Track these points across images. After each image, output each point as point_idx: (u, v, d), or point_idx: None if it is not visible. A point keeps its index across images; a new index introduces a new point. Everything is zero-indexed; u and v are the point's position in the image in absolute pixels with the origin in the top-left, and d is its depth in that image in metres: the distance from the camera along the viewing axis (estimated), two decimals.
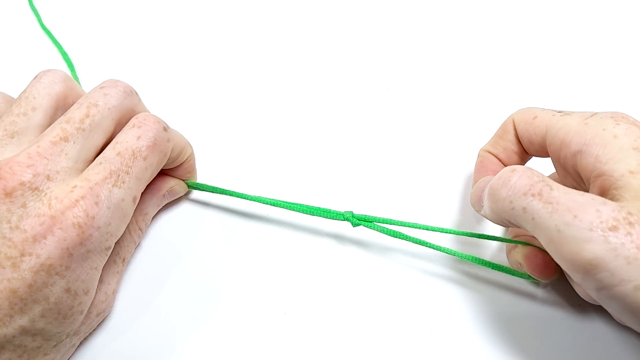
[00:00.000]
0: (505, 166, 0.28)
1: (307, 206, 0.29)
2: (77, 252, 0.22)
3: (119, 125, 0.26)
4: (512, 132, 0.28)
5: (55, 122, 0.25)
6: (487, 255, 0.30)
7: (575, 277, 0.21)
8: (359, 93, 0.38)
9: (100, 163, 0.24)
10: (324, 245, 0.31)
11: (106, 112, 0.25)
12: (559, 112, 0.26)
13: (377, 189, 0.33)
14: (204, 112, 0.37)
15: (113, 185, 0.23)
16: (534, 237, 0.24)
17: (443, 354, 0.27)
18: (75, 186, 0.23)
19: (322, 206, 0.29)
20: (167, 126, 0.26)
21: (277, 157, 0.35)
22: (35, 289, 0.22)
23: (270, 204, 0.30)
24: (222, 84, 0.39)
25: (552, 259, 0.23)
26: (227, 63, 0.40)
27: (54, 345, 0.24)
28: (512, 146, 0.28)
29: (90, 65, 0.40)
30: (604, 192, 0.22)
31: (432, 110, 0.37)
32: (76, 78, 0.39)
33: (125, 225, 0.25)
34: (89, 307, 0.25)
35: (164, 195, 0.30)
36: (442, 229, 0.28)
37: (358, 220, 0.29)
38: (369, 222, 0.29)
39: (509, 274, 0.28)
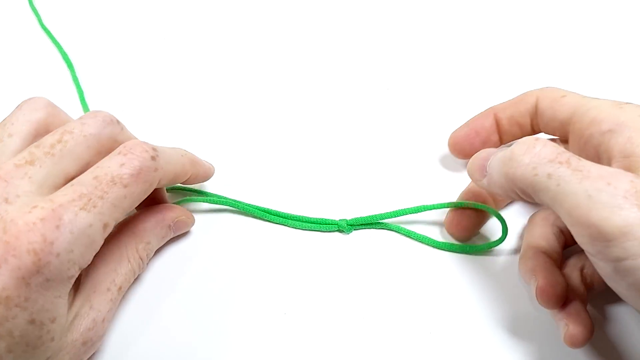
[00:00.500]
0: (500, 135, 0.31)
1: (301, 218, 0.31)
2: (34, 281, 0.20)
3: (99, 155, 0.25)
4: (530, 105, 0.28)
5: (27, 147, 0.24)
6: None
7: (595, 246, 0.20)
8: (359, 93, 0.38)
9: (72, 185, 0.22)
10: (324, 244, 0.31)
11: (81, 139, 0.24)
12: (589, 97, 0.26)
13: (377, 188, 0.33)
14: (201, 114, 0.37)
15: (81, 209, 0.21)
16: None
17: (443, 354, 0.27)
18: (35, 206, 0.21)
19: (322, 206, 0.30)
20: (157, 154, 0.25)
21: (275, 159, 0.35)
22: None
23: (266, 215, 0.31)
24: (221, 83, 0.39)
25: (473, 224, 0.29)
26: (227, 61, 0.40)
27: None
28: (521, 118, 0.29)
29: (90, 65, 0.40)
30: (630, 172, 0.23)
31: (432, 110, 0.37)
32: (75, 78, 0.39)
33: (93, 254, 0.22)
34: (73, 335, 0.23)
35: (170, 226, 0.29)
36: (423, 207, 0.30)
37: (350, 226, 0.30)
38: (363, 224, 0.30)
39: (471, 252, 0.30)
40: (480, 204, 0.29)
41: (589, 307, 0.26)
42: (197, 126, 0.36)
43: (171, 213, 0.29)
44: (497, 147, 0.31)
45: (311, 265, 0.30)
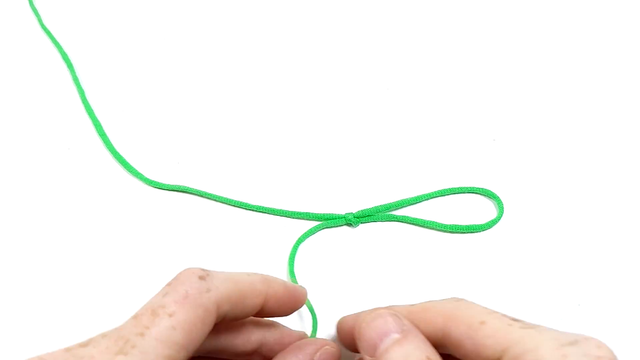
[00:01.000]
0: None
1: (308, 215, 0.31)
2: None
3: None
4: (434, 328, 0.22)
5: None
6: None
7: None
8: (359, 93, 0.38)
9: (105, 334, 0.19)
10: (333, 239, 0.31)
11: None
12: (512, 319, 0.20)
13: (378, 184, 0.33)
14: (202, 113, 0.37)
15: (116, 353, 0.18)
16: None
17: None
18: None
19: (326, 203, 0.31)
20: (207, 274, 0.21)
21: (277, 160, 0.35)
22: None
23: (271, 213, 0.31)
24: (222, 84, 0.39)
25: None
26: (227, 62, 0.40)
27: None
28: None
29: (89, 65, 0.40)
30: None
31: (432, 110, 0.37)
32: (75, 78, 0.39)
33: None
34: None
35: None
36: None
37: (357, 219, 0.31)
38: (369, 215, 0.31)
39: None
40: (484, 189, 0.32)
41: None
42: (199, 125, 0.36)
43: (312, 346, 0.24)
44: None
45: (323, 260, 0.30)
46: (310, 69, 0.40)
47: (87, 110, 0.37)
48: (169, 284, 0.20)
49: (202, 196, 0.32)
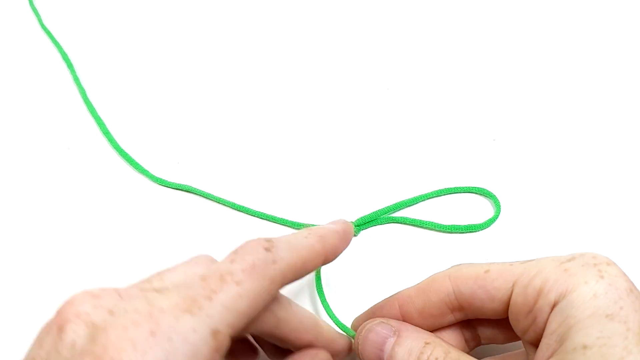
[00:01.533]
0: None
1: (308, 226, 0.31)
2: None
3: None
4: (445, 293, 0.23)
5: None
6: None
7: None
8: (359, 93, 0.38)
9: (176, 286, 0.19)
10: None
11: None
12: (510, 263, 0.22)
13: (376, 191, 0.33)
14: (202, 115, 0.37)
15: (184, 312, 0.18)
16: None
17: None
18: (127, 310, 0.18)
19: (326, 209, 0.31)
20: (273, 244, 0.21)
21: (274, 162, 0.35)
22: None
23: (273, 221, 0.31)
24: (221, 86, 0.39)
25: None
26: (227, 62, 0.40)
27: None
28: (435, 309, 0.24)
29: (89, 65, 0.40)
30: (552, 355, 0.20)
31: (432, 110, 0.37)
32: (76, 78, 0.39)
33: None
34: None
35: None
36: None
37: (358, 227, 0.31)
38: (369, 222, 0.31)
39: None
40: (481, 188, 0.32)
41: None
42: (199, 126, 0.36)
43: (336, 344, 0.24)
44: None
45: (330, 269, 0.30)
46: (309, 69, 0.40)
47: (89, 109, 0.37)
48: (234, 252, 0.20)
49: (205, 197, 0.33)
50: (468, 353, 0.23)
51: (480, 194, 0.33)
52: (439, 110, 0.37)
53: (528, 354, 0.22)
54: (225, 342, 0.18)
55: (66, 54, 0.40)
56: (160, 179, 0.33)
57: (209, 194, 0.32)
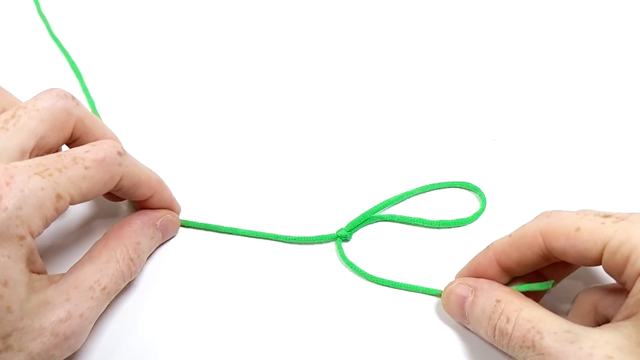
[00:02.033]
0: (508, 273, 0.27)
1: (300, 239, 0.31)
2: None
3: (53, 129, 0.26)
4: (537, 247, 0.24)
5: None
6: None
7: None
8: (359, 93, 0.39)
9: (34, 159, 0.23)
10: (324, 246, 0.31)
11: (34, 112, 0.25)
12: (604, 215, 0.23)
13: (378, 190, 0.34)
14: (202, 115, 0.38)
15: (35, 173, 0.22)
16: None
17: (443, 353, 0.27)
18: None
19: (315, 217, 0.32)
20: (125, 153, 0.26)
21: (276, 161, 0.35)
22: None
23: (265, 238, 0.31)
24: (229, 91, 0.40)
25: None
26: (227, 61, 0.41)
27: None
28: (530, 261, 0.25)
29: (98, 74, 0.41)
30: None
31: (432, 110, 0.37)
32: (85, 88, 0.39)
33: (43, 220, 0.23)
34: (41, 321, 0.23)
35: (157, 226, 0.29)
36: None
37: (349, 232, 0.31)
38: (359, 224, 0.31)
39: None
40: (465, 182, 0.33)
41: None
42: (199, 128, 0.37)
43: (156, 213, 0.30)
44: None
45: (311, 267, 0.31)
46: (309, 70, 0.40)
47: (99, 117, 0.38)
48: (92, 145, 0.25)
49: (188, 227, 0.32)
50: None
51: (466, 189, 0.33)
52: (438, 110, 0.37)
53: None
54: (65, 205, 0.23)
55: (74, 63, 0.41)
56: None
57: (202, 224, 0.32)
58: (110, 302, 0.27)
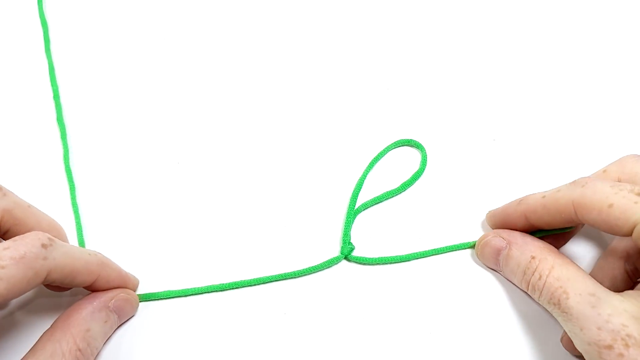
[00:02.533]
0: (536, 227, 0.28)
1: (304, 271, 0.30)
2: None
3: None
4: (568, 215, 0.25)
5: None
6: None
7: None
8: (359, 93, 0.39)
9: None
10: (324, 246, 0.31)
11: None
12: (637, 194, 0.23)
13: (378, 190, 0.33)
14: (202, 115, 0.38)
15: None
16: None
17: (443, 354, 0.27)
18: None
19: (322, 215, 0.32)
20: (52, 244, 0.24)
21: (275, 161, 0.35)
22: None
23: (252, 284, 0.29)
24: (222, 83, 0.39)
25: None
26: (227, 61, 0.40)
27: None
28: (560, 225, 0.27)
29: (98, 74, 0.41)
30: None
31: (432, 110, 0.37)
32: (55, 90, 0.38)
33: None
34: None
35: (109, 307, 0.27)
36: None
37: (350, 245, 0.31)
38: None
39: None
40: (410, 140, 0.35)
41: None
42: (199, 128, 0.37)
43: (108, 294, 0.27)
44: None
45: (313, 273, 0.30)
46: (309, 70, 0.40)
47: (62, 128, 0.37)
48: (14, 240, 0.23)
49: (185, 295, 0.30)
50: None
51: (410, 146, 0.35)
52: (438, 111, 0.37)
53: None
54: None
55: (52, 63, 0.40)
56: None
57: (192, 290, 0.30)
58: None
